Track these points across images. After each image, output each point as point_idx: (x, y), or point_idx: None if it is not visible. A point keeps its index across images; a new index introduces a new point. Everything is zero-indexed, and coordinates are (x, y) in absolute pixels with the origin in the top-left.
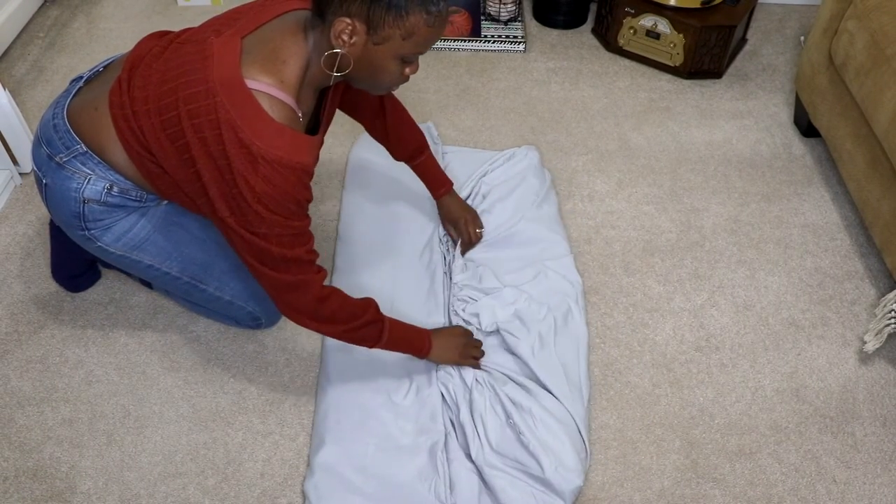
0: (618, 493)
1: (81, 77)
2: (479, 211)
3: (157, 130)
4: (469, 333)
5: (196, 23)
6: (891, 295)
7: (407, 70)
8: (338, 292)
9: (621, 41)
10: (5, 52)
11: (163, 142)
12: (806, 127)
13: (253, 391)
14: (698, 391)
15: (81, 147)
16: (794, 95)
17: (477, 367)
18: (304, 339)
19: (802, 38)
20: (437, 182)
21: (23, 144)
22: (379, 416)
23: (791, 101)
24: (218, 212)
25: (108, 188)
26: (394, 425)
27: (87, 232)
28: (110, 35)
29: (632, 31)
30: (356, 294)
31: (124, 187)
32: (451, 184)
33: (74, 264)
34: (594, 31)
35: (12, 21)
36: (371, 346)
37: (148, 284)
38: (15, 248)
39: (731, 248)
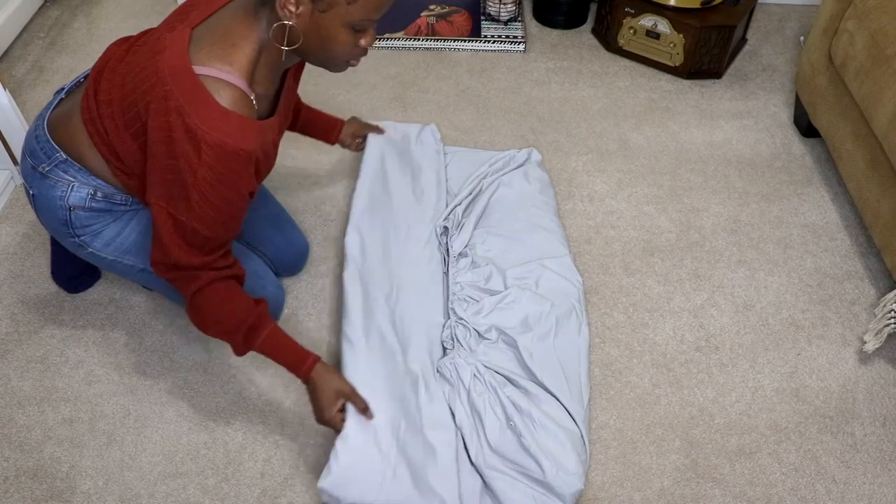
0: (618, 493)
1: (63, 89)
2: (478, 209)
3: (120, 131)
4: (351, 396)
5: None
6: (890, 295)
7: (362, 41)
8: (230, 290)
9: (621, 41)
10: (5, 52)
11: (126, 141)
12: (806, 127)
13: (253, 391)
14: (698, 391)
15: (61, 155)
16: (793, 95)
17: (336, 427)
18: (304, 340)
19: (802, 38)
20: (329, 124)
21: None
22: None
23: (791, 101)
24: (152, 197)
25: (91, 194)
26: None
27: (77, 238)
28: (110, 35)
29: (632, 31)
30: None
31: (107, 192)
32: (342, 121)
33: (74, 266)
34: (594, 31)
35: (12, 21)
36: (250, 348)
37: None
38: (15, 248)
39: (731, 248)
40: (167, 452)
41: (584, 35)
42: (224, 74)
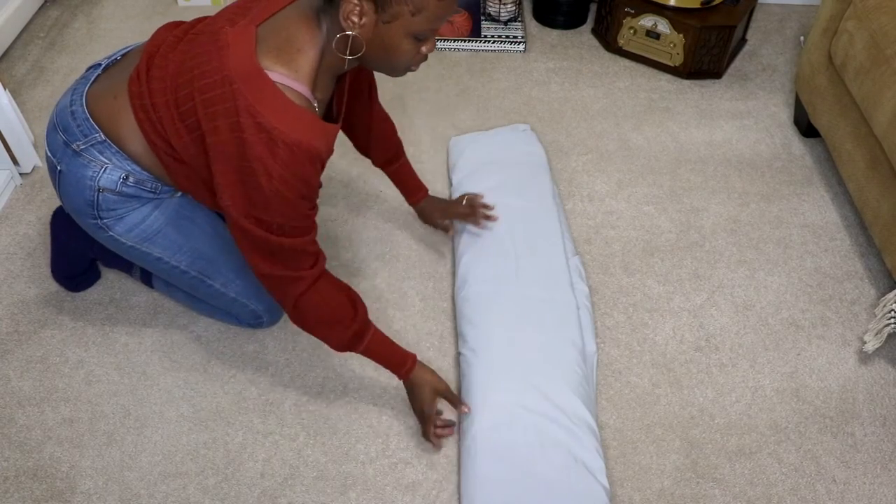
0: (618, 492)
1: (99, 65)
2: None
3: (175, 122)
4: (446, 393)
5: None
6: (890, 295)
7: (423, 48)
8: (329, 290)
9: (621, 41)
10: (5, 52)
11: (181, 133)
12: (806, 127)
13: (253, 391)
14: (698, 391)
15: (100, 136)
16: (793, 95)
17: (427, 437)
18: (304, 339)
19: (802, 38)
20: (414, 187)
21: (23, 144)
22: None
23: (791, 101)
24: (224, 199)
25: (124, 178)
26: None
27: (99, 221)
28: (110, 35)
29: (632, 32)
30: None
31: (140, 178)
32: (427, 189)
33: (74, 264)
34: (594, 32)
35: (12, 21)
36: (351, 349)
37: (148, 283)
38: (15, 248)
39: (731, 248)
40: (167, 452)
41: (584, 35)
42: (290, 81)
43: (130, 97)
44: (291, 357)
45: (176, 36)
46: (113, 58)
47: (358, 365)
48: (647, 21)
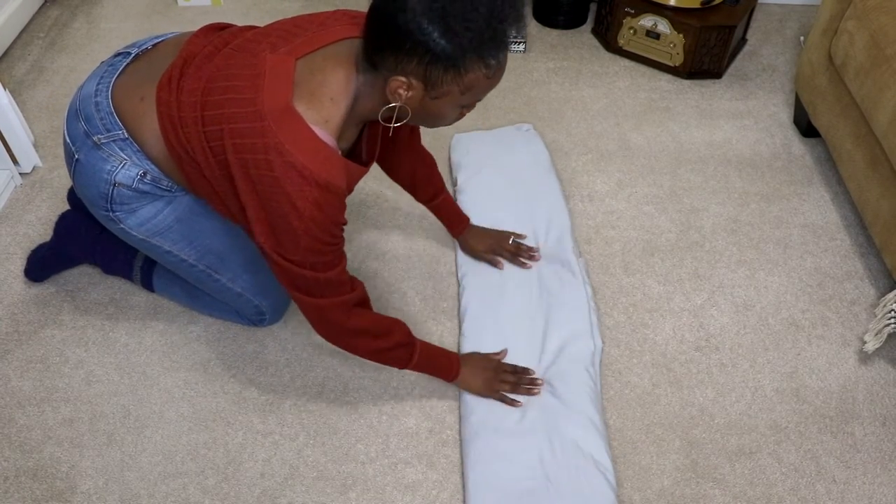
0: (618, 492)
1: (129, 53)
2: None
3: (201, 141)
4: (500, 365)
5: (196, 24)
6: (890, 295)
7: (465, 110)
8: (369, 312)
9: (621, 41)
10: (5, 52)
11: (206, 153)
12: (806, 127)
13: (253, 391)
14: (698, 391)
15: (123, 133)
16: (793, 95)
17: (504, 400)
18: (304, 339)
19: (802, 38)
20: (457, 219)
21: (23, 144)
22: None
23: (791, 101)
24: (256, 235)
25: (141, 175)
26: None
27: (111, 213)
28: (110, 35)
29: (632, 32)
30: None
31: (156, 176)
32: (469, 219)
33: (58, 263)
34: (594, 31)
35: (12, 21)
36: (401, 367)
37: (149, 287)
38: (15, 248)
39: (731, 248)
40: (167, 452)
41: (584, 35)
42: (318, 130)
43: (158, 104)
44: (291, 357)
45: (215, 46)
46: (144, 46)
47: (358, 365)
48: (647, 21)
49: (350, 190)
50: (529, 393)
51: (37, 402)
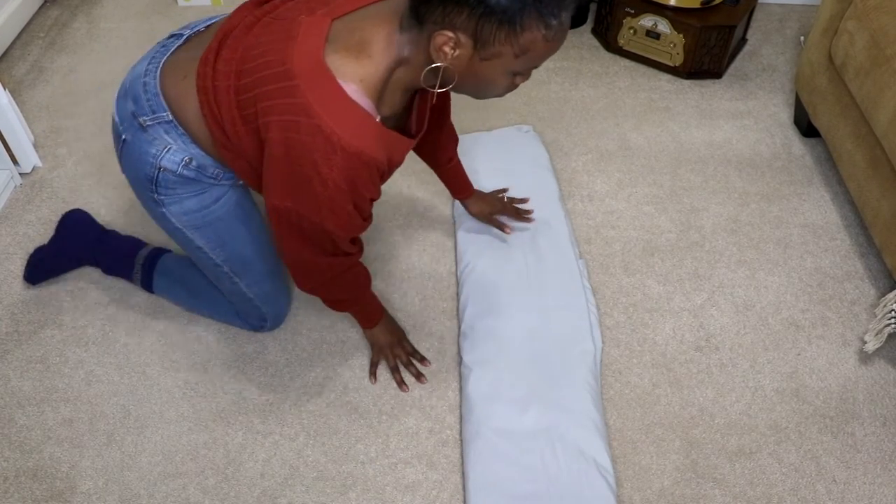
0: (618, 493)
1: (181, 35)
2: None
3: (232, 110)
4: (404, 339)
5: None
6: (891, 295)
7: (517, 80)
8: (358, 273)
9: (621, 41)
10: (5, 52)
11: (237, 123)
12: (806, 127)
13: (253, 391)
14: (698, 391)
15: (168, 115)
16: (794, 95)
17: (393, 367)
18: (304, 340)
19: (802, 38)
20: (464, 183)
21: (23, 144)
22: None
23: (791, 101)
24: (271, 198)
25: (186, 161)
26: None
27: (156, 195)
28: (110, 35)
29: (632, 31)
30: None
31: (203, 163)
32: (472, 186)
33: (57, 265)
34: (594, 31)
35: (12, 21)
36: (339, 311)
37: (149, 289)
38: (15, 248)
39: (731, 248)
40: (167, 452)
41: (584, 35)
42: (352, 90)
43: (197, 78)
44: (291, 357)
45: (254, 17)
46: (196, 28)
47: (358, 365)
48: (647, 21)
49: (395, 163)
50: (411, 374)
51: (36, 403)
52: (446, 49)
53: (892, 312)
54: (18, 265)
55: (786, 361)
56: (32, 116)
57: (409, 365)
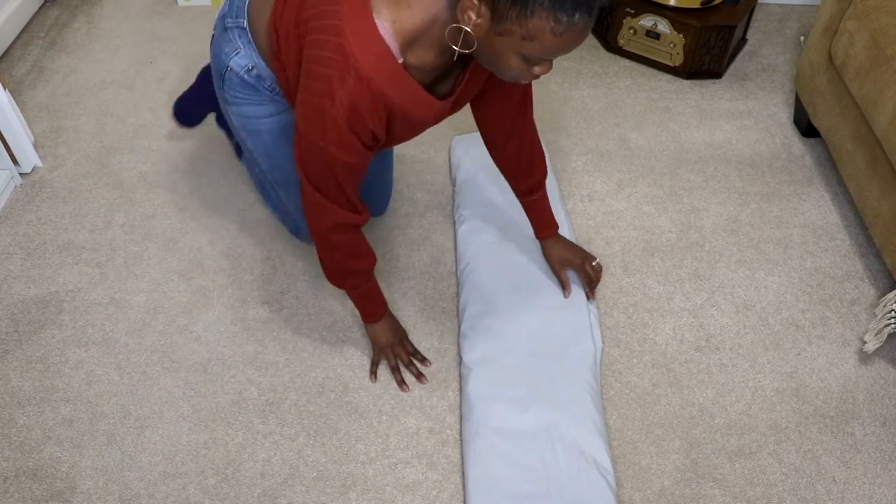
0: (618, 493)
1: None
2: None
3: (290, 24)
4: (406, 340)
5: (196, 24)
6: (890, 295)
7: (536, 69)
8: (357, 236)
9: (621, 41)
10: (5, 52)
11: (291, 38)
12: (806, 127)
13: (253, 391)
14: (698, 391)
15: (244, 22)
16: (793, 95)
17: (393, 367)
18: (304, 340)
19: (802, 38)
20: (546, 223)
21: (23, 144)
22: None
23: (791, 101)
24: (297, 118)
25: (249, 68)
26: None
27: (223, 91)
28: (110, 35)
29: (632, 31)
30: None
31: (262, 74)
32: (557, 226)
33: (205, 105)
34: (594, 31)
35: (12, 21)
36: (343, 288)
37: (239, 155)
38: (15, 248)
39: (731, 248)
40: (167, 452)
41: None
42: (381, 26)
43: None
44: (291, 357)
45: None
46: None
47: (358, 365)
48: (647, 21)
49: (411, 114)
50: (412, 373)
51: (36, 402)
52: (470, 14)
53: (892, 312)
54: (18, 265)
55: (786, 361)
56: (32, 116)
57: (409, 365)
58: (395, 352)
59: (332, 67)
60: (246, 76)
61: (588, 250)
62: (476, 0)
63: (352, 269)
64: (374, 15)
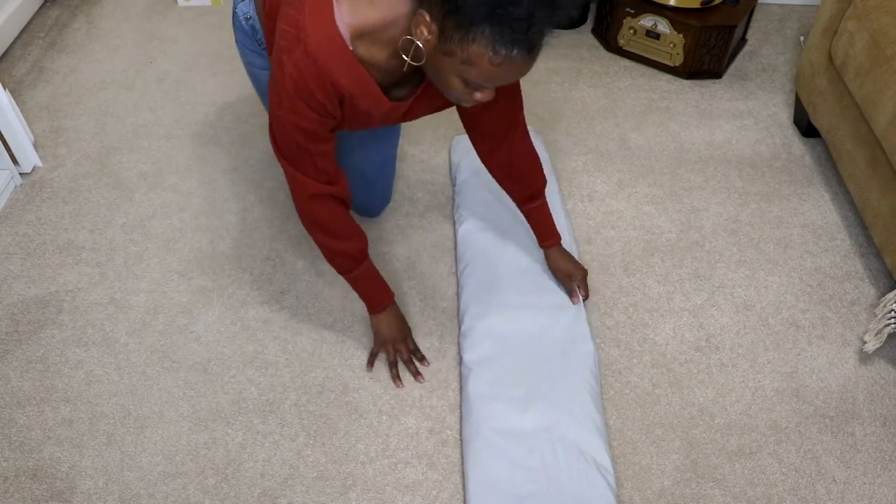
0: (618, 493)
1: None
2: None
3: (272, 6)
4: (409, 338)
5: (196, 24)
6: (891, 295)
7: (477, 94)
8: (336, 209)
9: (621, 41)
10: (5, 52)
11: (274, 3)
12: (806, 127)
13: (253, 391)
14: (698, 391)
15: None
16: (793, 95)
17: (391, 371)
18: (304, 340)
19: (802, 38)
20: (547, 233)
21: (23, 144)
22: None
23: (791, 101)
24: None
25: (247, 17)
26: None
27: (236, 33)
28: (110, 35)
29: (632, 31)
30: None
31: (256, 27)
32: (560, 237)
33: None
34: (594, 31)
35: (12, 21)
36: (339, 273)
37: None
38: (15, 248)
39: (731, 248)
40: (167, 452)
41: (584, 35)
42: (337, 14)
43: None
44: (291, 357)
45: None
46: None
47: (358, 365)
48: (647, 21)
49: (360, 104)
50: (410, 371)
51: (36, 402)
52: (422, 29)
53: (892, 312)
54: (18, 265)
55: (786, 361)
56: (32, 116)
57: (409, 363)
58: (396, 347)
59: (288, 39)
60: (245, 24)
61: (588, 250)
62: (428, 17)
63: (335, 248)
64: (335, 3)
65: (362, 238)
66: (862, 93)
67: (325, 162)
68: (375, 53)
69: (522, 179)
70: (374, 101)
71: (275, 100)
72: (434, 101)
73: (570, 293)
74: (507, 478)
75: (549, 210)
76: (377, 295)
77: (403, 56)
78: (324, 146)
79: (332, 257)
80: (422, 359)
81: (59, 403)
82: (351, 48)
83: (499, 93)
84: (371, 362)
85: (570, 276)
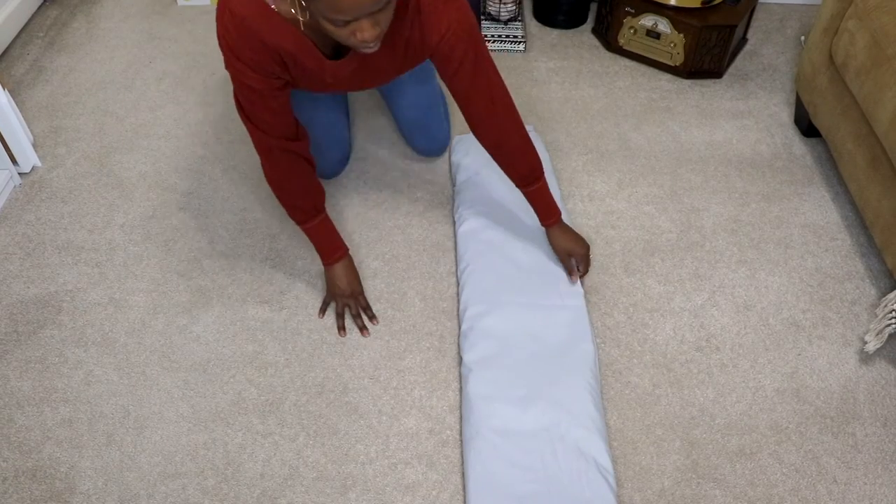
0: (618, 493)
1: None
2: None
3: None
4: (360, 294)
5: (196, 24)
6: (891, 295)
7: (357, 34)
8: (293, 163)
9: (621, 41)
10: (5, 52)
11: None
12: (806, 127)
13: (253, 391)
14: (698, 391)
15: None
16: (794, 95)
17: (339, 312)
18: (304, 340)
19: (803, 37)
20: (545, 212)
21: (22, 144)
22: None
23: (791, 100)
24: None
25: None
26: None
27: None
28: (110, 35)
29: (632, 31)
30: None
31: None
32: (560, 214)
33: None
34: (594, 31)
35: (12, 21)
36: (296, 223)
37: None
38: (14, 248)
39: (732, 248)
40: (167, 452)
41: (584, 35)
42: None
43: None
44: (291, 357)
45: None
46: None
47: (358, 365)
48: (648, 21)
49: (305, 68)
50: (357, 324)
51: (36, 403)
52: None
53: (893, 312)
54: (18, 265)
55: (786, 361)
56: (32, 116)
57: (357, 317)
58: (345, 301)
59: (219, 2)
60: None
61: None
62: None
63: (289, 202)
64: None
65: (319, 194)
66: (863, 92)
67: (279, 118)
68: (285, 9)
69: (515, 162)
70: (313, 58)
71: (224, 61)
72: (382, 60)
73: (569, 271)
74: (507, 478)
75: (549, 191)
76: (329, 247)
77: (292, 10)
78: (272, 102)
79: (287, 208)
80: (372, 317)
81: (59, 404)
82: (274, 7)
83: (473, 74)
84: (323, 310)
85: (570, 254)
